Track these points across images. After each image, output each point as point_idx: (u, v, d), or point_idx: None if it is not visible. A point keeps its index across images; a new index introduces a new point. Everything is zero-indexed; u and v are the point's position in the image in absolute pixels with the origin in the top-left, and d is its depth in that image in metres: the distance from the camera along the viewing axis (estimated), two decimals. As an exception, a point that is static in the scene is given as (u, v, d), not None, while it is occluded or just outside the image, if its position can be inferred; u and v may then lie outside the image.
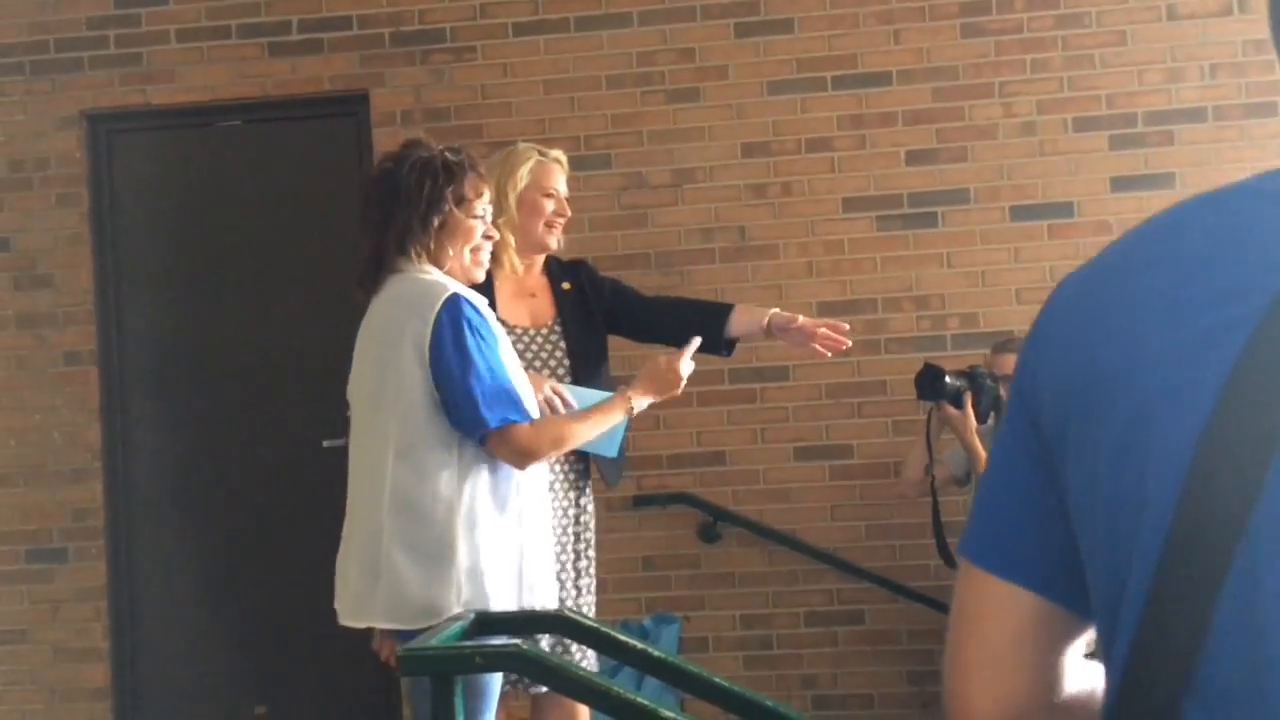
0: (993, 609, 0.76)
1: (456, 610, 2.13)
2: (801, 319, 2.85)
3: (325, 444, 4.14)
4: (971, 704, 0.77)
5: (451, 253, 2.30)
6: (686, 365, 2.55)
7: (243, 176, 4.38)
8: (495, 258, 2.77)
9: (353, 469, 2.32)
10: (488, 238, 2.37)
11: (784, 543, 4.05)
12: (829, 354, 2.91)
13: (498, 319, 2.73)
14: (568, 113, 4.18)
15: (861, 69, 4.11)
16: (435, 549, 2.16)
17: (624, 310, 2.94)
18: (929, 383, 3.14)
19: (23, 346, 4.30)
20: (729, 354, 2.97)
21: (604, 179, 4.14)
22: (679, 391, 2.58)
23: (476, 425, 2.19)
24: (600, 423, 2.45)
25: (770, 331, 2.88)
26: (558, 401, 2.62)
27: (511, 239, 2.78)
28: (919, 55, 4.11)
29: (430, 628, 2.08)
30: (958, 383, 3.13)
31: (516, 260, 2.82)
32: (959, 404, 3.13)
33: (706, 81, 4.15)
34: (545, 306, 2.86)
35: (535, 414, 2.32)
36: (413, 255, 2.26)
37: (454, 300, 2.20)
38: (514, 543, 2.24)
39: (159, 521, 4.33)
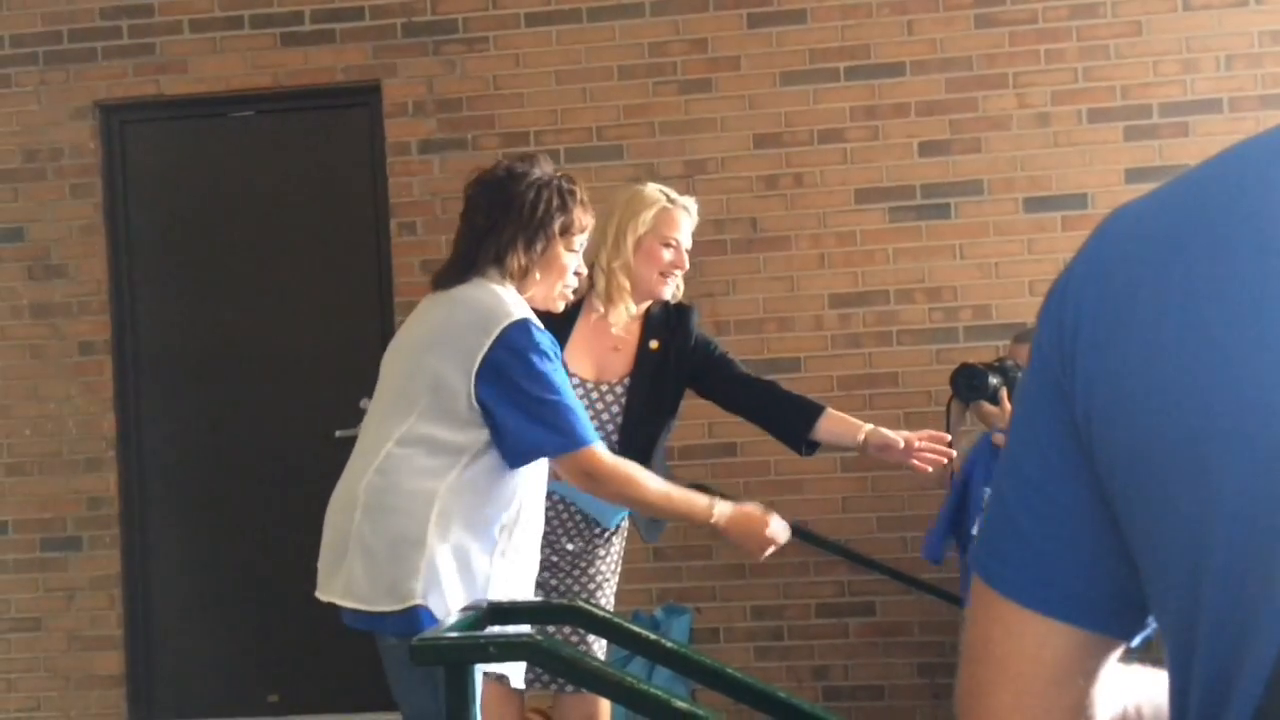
0: (1030, 647, 0.66)
1: (416, 600, 2.10)
2: (899, 437, 2.67)
3: (338, 434, 4.15)
4: None
5: (539, 278, 2.26)
6: (781, 534, 2.41)
7: (255, 167, 4.39)
8: (609, 299, 2.66)
9: (357, 444, 2.30)
10: (577, 274, 2.33)
11: (795, 534, 4.04)
12: (930, 469, 2.73)
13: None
14: (580, 103, 4.17)
15: (874, 59, 4.10)
16: (405, 535, 2.13)
17: (711, 376, 2.78)
18: (967, 382, 3.13)
19: (37, 336, 4.32)
20: (809, 454, 2.84)
21: (616, 170, 4.14)
22: (757, 558, 2.49)
23: (565, 441, 2.14)
24: (675, 505, 2.31)
25: (865, 450, 2.74)
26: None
27: (627, 284, 2.65)
28: (932, 46, 4.09)
29: (389, 612, 2.09)
30: (995, 380, 3.13)
31: (632, 306, 2.67)
32: (997, 400, 3.13)
33: (719, 72, 4.14)
34: (622, 362, 2.70)
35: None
36: (506, 271, 2.22)
37: (523, 324, 2.15)
38: (480, 572, 2.17)
39: (173, 510, 4.36)
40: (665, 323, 2.73)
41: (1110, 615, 0.66)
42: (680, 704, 1.80)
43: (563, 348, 2.49)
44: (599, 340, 2.68)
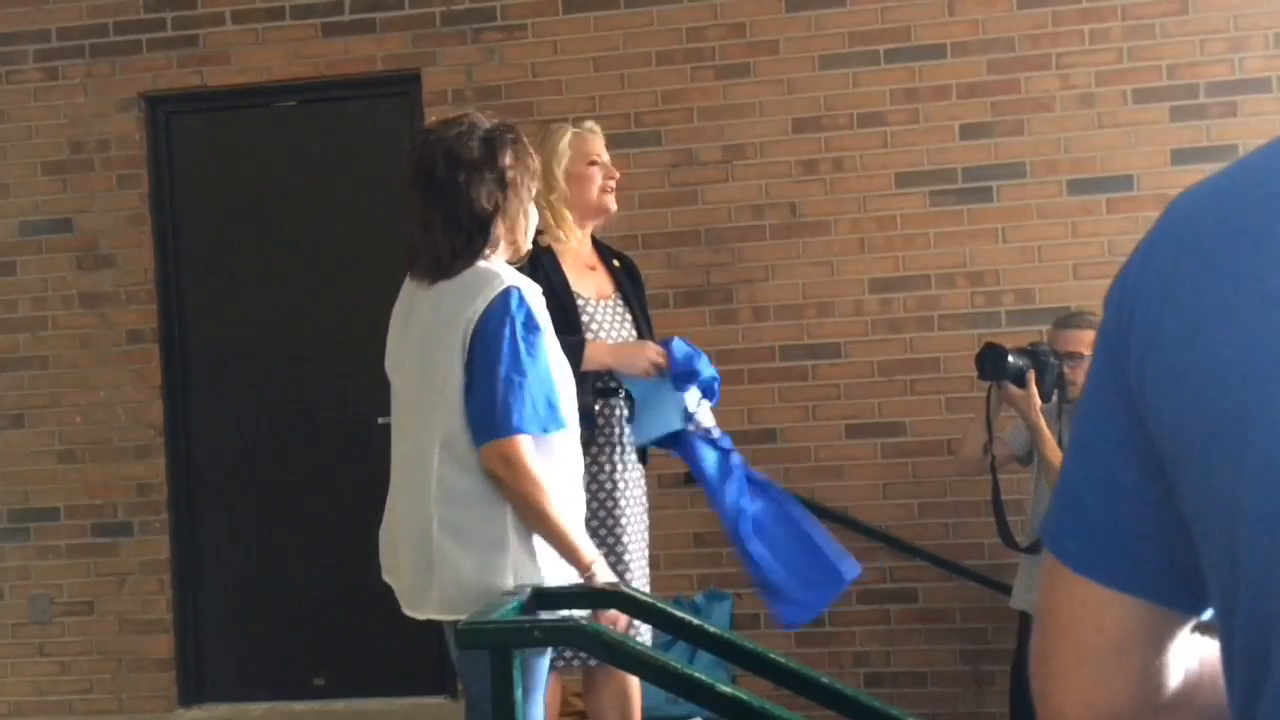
0: (1093, 615, 0.70)
1: None
2: None
3: (380, 421, 4.18)
4: (1068, 713, 0.72)
5: (518, 234, 2.29)
6: (620, 623, 2.27)
7: (298, 156, 4.43)
8: (551, 232, 2.83)
9: (396, 451, 2.29)
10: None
11: (836, 521, 4.03)
12: None
13: (571, 290, 2.76)
14: (618, 90, 4.17)
15: (915, 41, 4.06)
16: (486, 538, 2.14)
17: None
18: (991, 362, 3.09)
19: (87, 325, 4.39)
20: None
21: (654, 156, 4.14)
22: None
23: (493, 425, 2.11)
24: (567, 537, 2.18)
25: None
26: (661, 366, 2.71)
27: (567, 213, 2.85)
28: (974, 27, 4.05)
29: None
30: (1020, 361, 3.08)
31: (578, 231, 2.89)
32: (1022, 383, 3.08)
33: (757, 56, 4.12)
34: (605, 279, 2.92)
35: (567, 425, 2.23)
36: (495, 240, 2.23)
37: (505, 293, 2.15)
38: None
39: (220, 496, 4.42)
40: (610, 250, 2.97)
41: (1170, 588, 0.68)
42: (724, 688, 1.80)
43: (563, 282, 2.70)
44: (576, 264, 2.85)
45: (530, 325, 2.16)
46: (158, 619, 4.34)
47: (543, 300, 2.29)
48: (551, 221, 2.83)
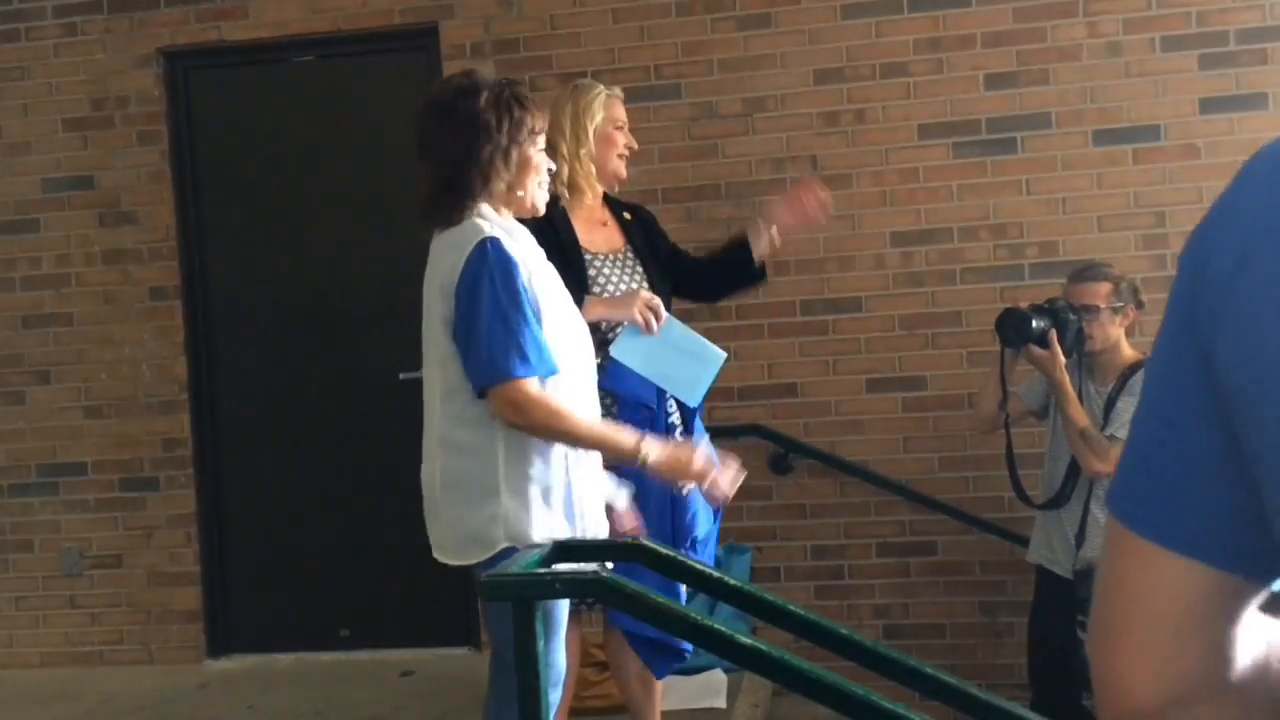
0: (1166, 586, 0.67)
1: (501, 545, 2.17)
2: (773, 215, 2.94)
3: (402, 376, 4.21)
4: (1135, 689, 0.68)
5: (523, 188, 2.31)
6: (708, 467, 2.42)
7: (316, 111, 4.42)
8: (575, 187, 2.85)
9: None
10: (549, 169, 2.39)
11: (856, 474, 4.05)
12: (820, 218, 2.97)
13: (580, 246, 2.77)
14: (637, 41, 4.13)
15: (939, -10, 3.99)
16: (480, 488, 2.19)
17: (680, 269, 3.01)
18: (1013, 327, 3.07)
19: (110, 282, 4.42)
20: (764, 279, 3.13)
21: (674, 109, 4.10)
22: (684, 488, 2.48)
23: (489, 374, 2.15)
24: (603, 440, 2.28)
25: (771, 222, 2.94)
26: (652, 316, 2.70)
27: (592, 169, 2.89)
28: (999, -26, 3.98)
29: (479, 563, 2.15)
30: (1042, 323, 3.06)
31: (599, 187, 2.93)
32: (1045, 344, 3.06)
33: (778, 7, 4.07)
34: (615, 234, 2.94)
35: (560, 369, 2.25)
36: (493, 192, 2.26)
37: (482, 245, 2.17)
38: (560, 474, 2.24)
39: (244, 450, 4.47)
40: (625, 204, 3.02)
41: (1247, 556, 0.66)
42: (744, 639, 1.82)
43: (573, 239, 2.75)
44: (588, 221, 2.89)
45: (509, 273, 2.18)
46: (185, 571, 4.41)
47: (534, 244, 2.32)
48: (575, 176, 2.86)
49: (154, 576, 4.42)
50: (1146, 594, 0.68)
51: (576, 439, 2.23)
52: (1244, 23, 3.87)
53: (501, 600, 1.93)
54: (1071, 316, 3.09)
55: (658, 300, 2.77)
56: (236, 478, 4.47)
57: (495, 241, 2.18)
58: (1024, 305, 3.14)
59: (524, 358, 2.15)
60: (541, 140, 2.36)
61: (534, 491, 2.20)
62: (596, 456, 2.36)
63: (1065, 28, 3.95)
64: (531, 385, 2.16)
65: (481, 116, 2.24)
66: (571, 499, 2.25)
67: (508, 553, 2.17)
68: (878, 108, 4.04)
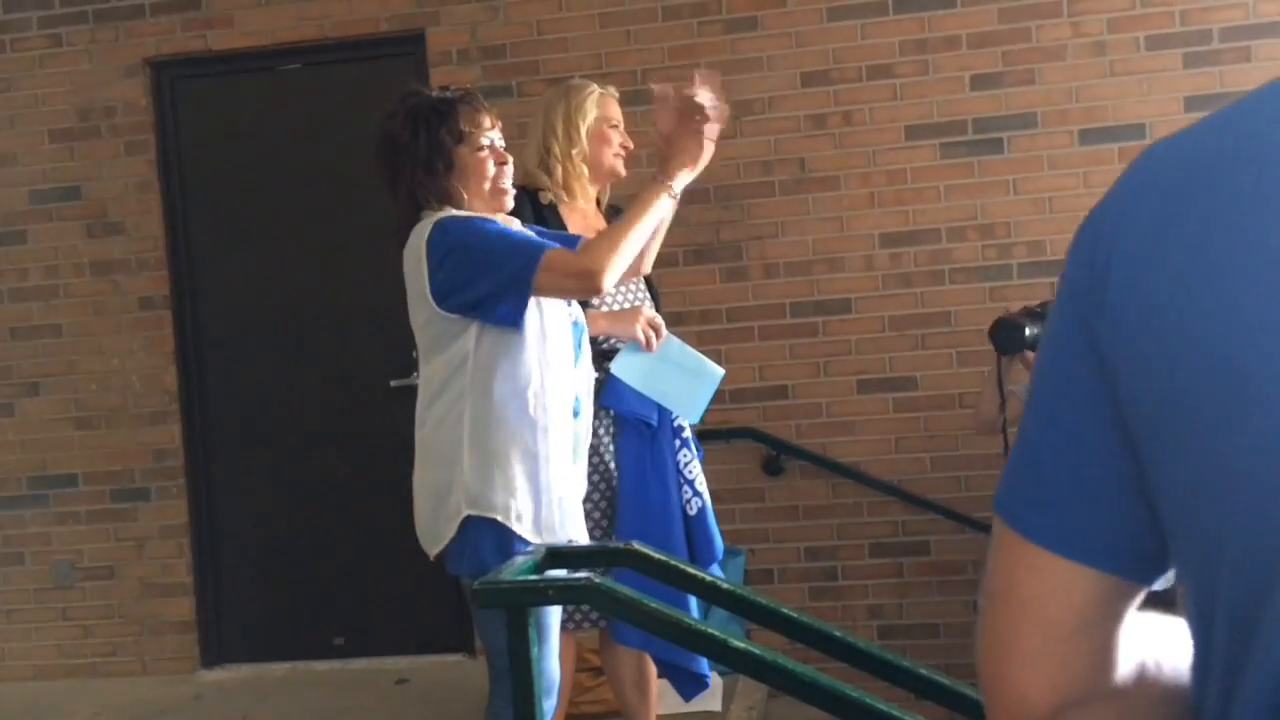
0: (1057, 592, 0.66)
1: (465, 512, 2.20)
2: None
3: (393, 384, 4.21)
4: (1029, 694, 0.67)
5: (467, 193, 2.29)
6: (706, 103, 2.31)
7: (304, 119, 4.42)
8: (568, 189, 2.83)
9: None
10: (501, 164, 2.33)
11: (848, 475, 4.05)
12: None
13: None
14: (624, 46, 4.14)
15: (924, -8, 4.01)
16: (443, 455, 2.23)
17: None
18: (1007, 336, 3.08)
19: (99, 293, 4.41)
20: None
21: (662, 113, 4.10)
22: (709, 147, 2.32)
23: (529, 260, 2.14)
24: (644, 215, 2.25)
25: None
26: (653, 334, 2.71)
27: (585, 170, 2.85)
28: (984, -25, 3.99)
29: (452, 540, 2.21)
30: (1035, 329, 3.07)
31: (591, 190, 2.89)
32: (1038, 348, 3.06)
33: (764, 10, 4.08)
34: None
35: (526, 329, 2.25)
36: (431, 205, 2.27)
37: (437, 225, 2.21)
38: (526, 446, 2.22)
39: (236, 460, 4.46)
40: (616, 212, 2.93)
41: (1134, 560, 0.66)
42: (737, 643, 1.82)
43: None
44: (582, 224, 2.84)
45: (472, 220, 2.21)
46: (178, 582, 4.39)
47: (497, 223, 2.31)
48: (568, 177, 2.84)
49: (146, 587, 4.40)
50: (1037, 599, 0.67)
51: (633, 233, 2.21)
52: (1227, 21, 3.89)
53: (494, 608, 1.92)
54: None
55: (660, 319, 2.76)
56: (228, 487, 4.46)
57: (447, 219, 2.22)
58: (1015, 311, 3.15)
59: (530, 243, 2.19)
60: (483, 137, 2.29)
61: (496, 458, 2.20)
62: (570, 458, 2.34)
63: (1050, 28, 3.97)
64: (556, 253, 2.17)
65: (397, 137, 2.26)
66: (540, 477, 2.23)
67: (473, 526, 2.18)
68: (864, 109, 4.05)
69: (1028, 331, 3.06)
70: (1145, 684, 0.69)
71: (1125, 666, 0.68)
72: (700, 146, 2.29)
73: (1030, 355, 3.10)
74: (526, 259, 2.16)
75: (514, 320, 2.16)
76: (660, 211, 2.30)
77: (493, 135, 2.33)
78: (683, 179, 2.30)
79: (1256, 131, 0.60)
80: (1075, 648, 0.67)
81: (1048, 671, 0.67)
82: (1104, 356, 0.63)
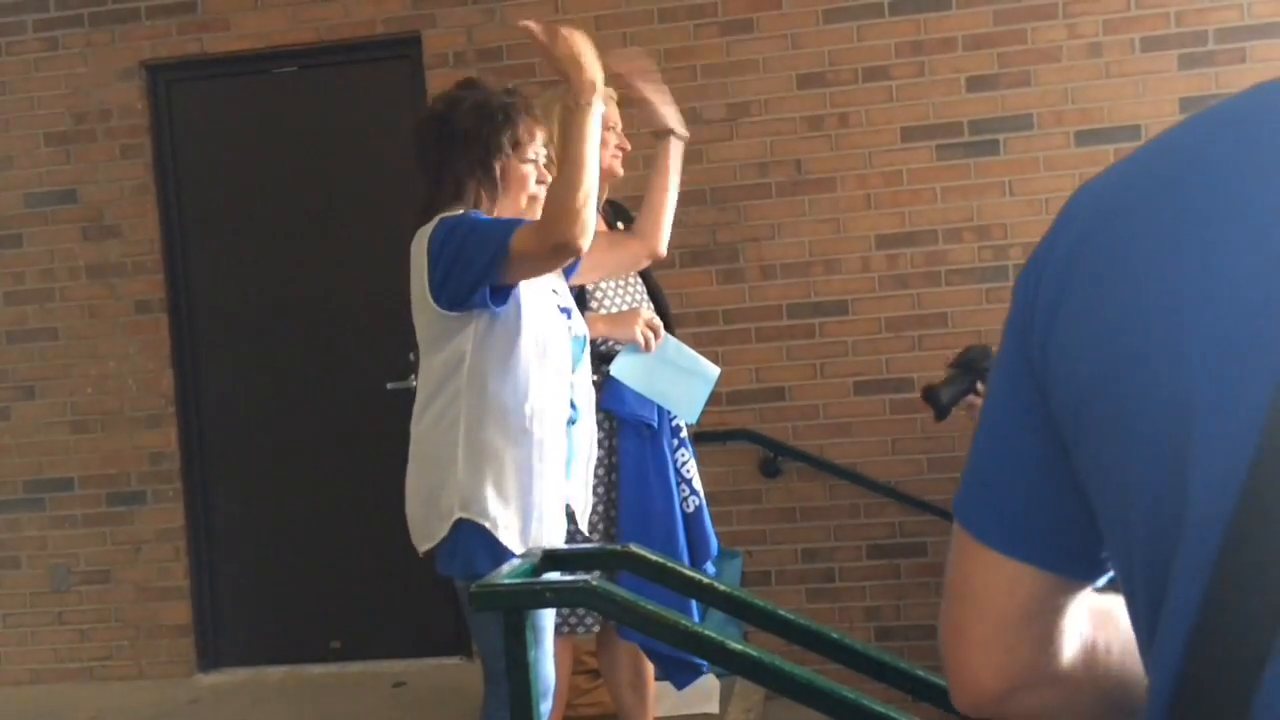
0: (1003, 587, 0.74)
1: (457, 514, 2.19)
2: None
3: (389, 386, 4.21)
4: (982, 677, 0.76)
5: (503, 197, 2.28)
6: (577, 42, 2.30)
7: (300, 122, 4.41)
8: None
9: None
10: (540, 182, 2.34)
11: (845, 477, 4.05)
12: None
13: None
14: (620, 48, 4.13)
15: (919, -7, 4.01)
16: (438, 456, 2.23)
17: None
18: (933, 403, 2.95)
19: (95, 296, 4.40)
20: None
21: (658, 115, 4.10)
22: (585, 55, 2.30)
23: (505, 231, 2.12)
24: (572, 145, 2.18)
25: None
26: (652, 335, 2.70)
27: None
28: (979, -23, 3.99)
29: (443, 540, 2.21)
30: (955, 388, 2.91)
31: None
32: (975, 391, 2.96)
33: (760, 12, 4.08)
34: None
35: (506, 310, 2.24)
36: (467, 202, 2.25)
37: (443, 220, 2.20)
38: (521, 452, 2.22)
39: (232, 463, 4.45)
40: (620, 213, 3.00)
41: (1073, 559, 0.73)
42: (735, 645, 1.82)
43: None
44: None
45: (465, 220, 2.19)
46: (174, 586, 4.39)
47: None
48: None
49: (143, 591, 4.39)
50: (986, 594, 0.75)
51: (576, 170, 2.13)
52: (1222, 22, 3.90)
53: (491, 610, 1.92)
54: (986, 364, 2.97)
55: (658, 321, 2.76)
56: (224, 490, 4.45)
57: (451, 218, 2.21)
58: (938, 378, 2.98)
59: (512, 220, 2.19)
60: (532, 150, 2.31)
61: (489, 464, 2.19)
62: (564, 472, 2.33)
63: (1045, 29, 3.97)
64: (525, 228, 2.14)
65: (459, 126, 2.24)
66: (533, 492, 2.22)
67: (465, 528, 2.17)
68: (860, 111, 4.05)
69: (943, 398, 2.91)
70: (1094, 666, 0.76)
71: (1070, 652, 0.75)
72: (573, 57, 2.26)
73: (976, 399, 3.05)
74: (506, 229, 2.16)
75: (501, 300, 2.17)
76: (586, 134, 2.18)
77: (540, 150, 2.34)
78: (587, 93, 2.22)
79: (1186, 165, 0.67)
80: (1020, 637, 0.74)
81: (997, 658, 0.75)
82: (1035, 368, 0.70)
